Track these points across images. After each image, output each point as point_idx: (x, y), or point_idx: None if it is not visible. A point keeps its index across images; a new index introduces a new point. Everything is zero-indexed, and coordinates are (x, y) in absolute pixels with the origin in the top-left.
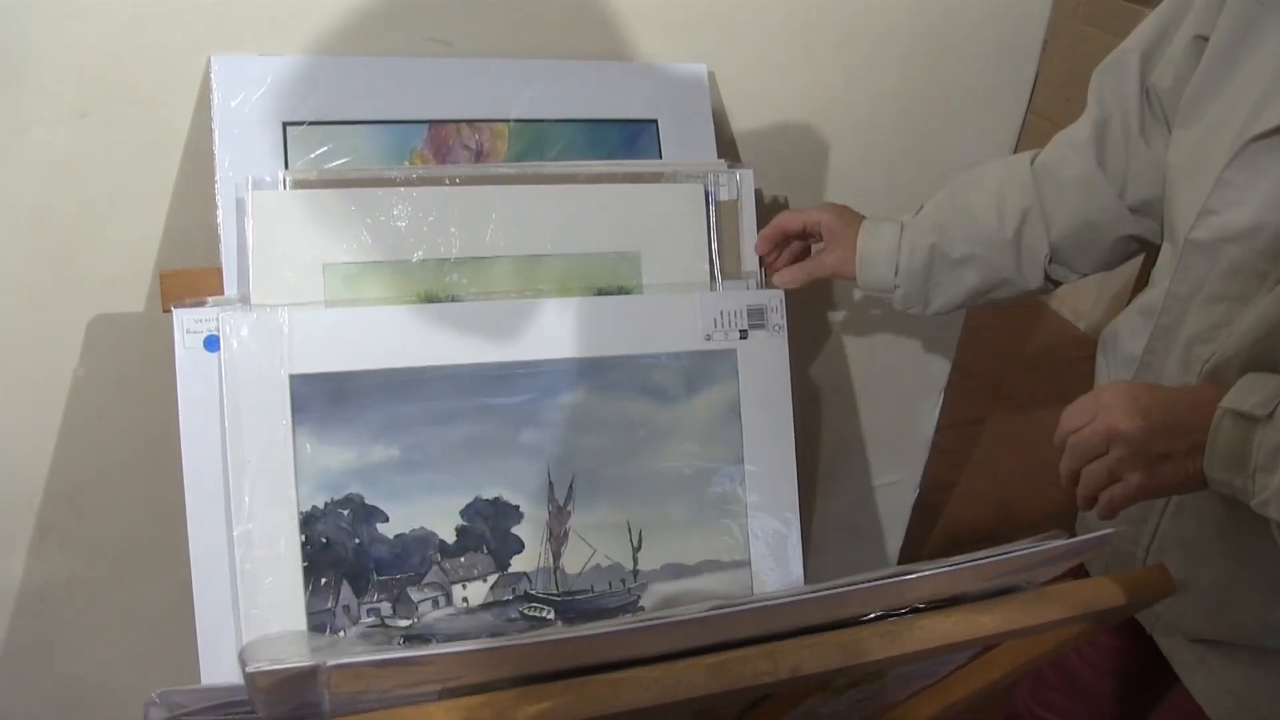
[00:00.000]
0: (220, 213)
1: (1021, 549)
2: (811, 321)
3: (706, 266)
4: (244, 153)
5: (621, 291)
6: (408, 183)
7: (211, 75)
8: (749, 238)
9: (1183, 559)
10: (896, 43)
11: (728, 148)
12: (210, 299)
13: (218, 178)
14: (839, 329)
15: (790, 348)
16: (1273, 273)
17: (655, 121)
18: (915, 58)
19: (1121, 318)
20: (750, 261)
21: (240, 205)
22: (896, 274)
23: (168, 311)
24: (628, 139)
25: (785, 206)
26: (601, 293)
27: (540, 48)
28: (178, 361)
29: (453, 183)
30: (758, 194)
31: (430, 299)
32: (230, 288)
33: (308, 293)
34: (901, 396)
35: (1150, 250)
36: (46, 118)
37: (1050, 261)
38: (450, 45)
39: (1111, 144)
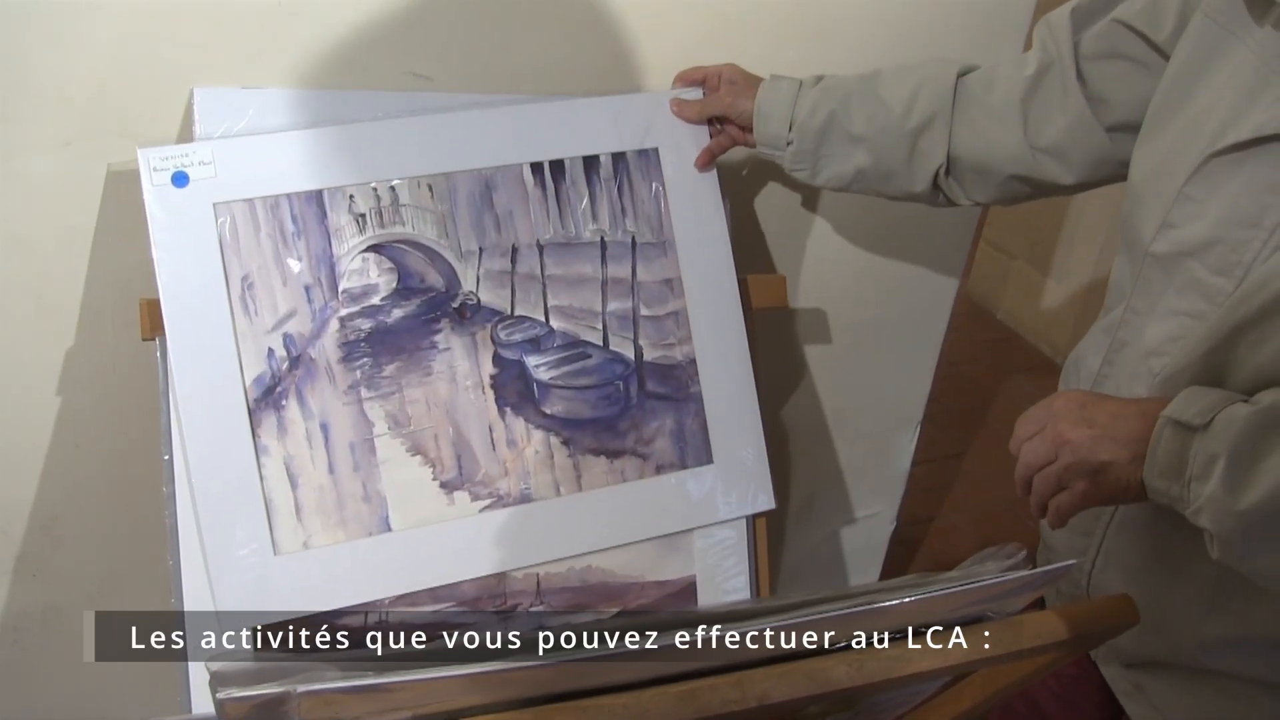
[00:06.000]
0: None
1: (987, 578)
2: (787, 354)
3: None
4: None
5: None
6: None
7: (194, 107)
8: None
9: (1123, 576)
10: None
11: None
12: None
13: None
14: (814, 361)
15: (766, 380)
16: (1224, 288)
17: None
18: None
19: (1086, 340)
20: None
21: None
22: (790, 129)
23: (148, 340)
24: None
25: (771, 234)
26: None
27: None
28: (147, 204)
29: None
30: (740, 218)
31: None
32: None
33: None
34: (878, 430)
35: (1035, 198)
36: (30, 147)
37: (946, 174)
38: (430, 80)
39: (1046, 86)
